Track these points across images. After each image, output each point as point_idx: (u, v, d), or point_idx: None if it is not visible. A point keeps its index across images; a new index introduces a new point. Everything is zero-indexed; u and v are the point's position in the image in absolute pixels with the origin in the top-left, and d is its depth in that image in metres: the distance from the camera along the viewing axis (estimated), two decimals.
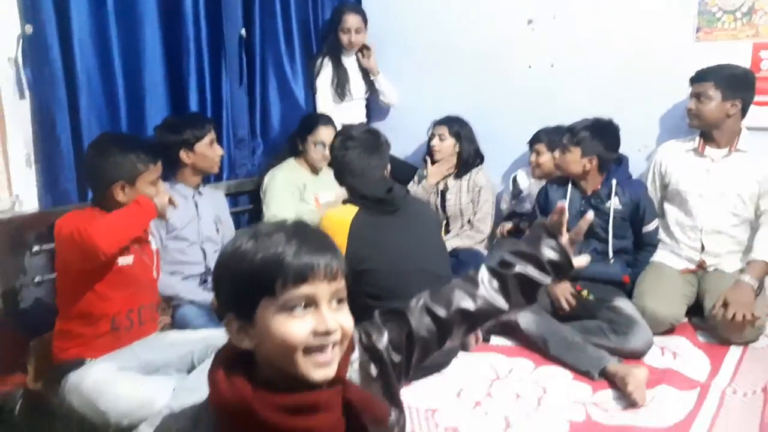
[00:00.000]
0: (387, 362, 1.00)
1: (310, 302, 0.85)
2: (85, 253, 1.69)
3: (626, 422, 1.72)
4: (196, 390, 1.69)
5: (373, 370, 0.99)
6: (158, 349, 1.87)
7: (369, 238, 1.94)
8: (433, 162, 3.08)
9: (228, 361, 0.88)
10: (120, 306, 1.85)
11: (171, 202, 1.96)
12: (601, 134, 2.38)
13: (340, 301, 0.88)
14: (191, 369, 1.83)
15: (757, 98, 2.40)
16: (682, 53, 2.59)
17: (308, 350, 0.84)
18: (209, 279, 2.49)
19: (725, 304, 2.14)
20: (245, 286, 0.86)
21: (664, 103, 2.69)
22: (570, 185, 2.46)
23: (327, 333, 0.84)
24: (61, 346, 1.86)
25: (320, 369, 0.84)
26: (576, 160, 2.38)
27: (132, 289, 1.87)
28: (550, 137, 2.75)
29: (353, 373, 0.95)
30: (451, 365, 2.05)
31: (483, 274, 1.12)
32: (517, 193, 3.01)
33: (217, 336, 1.83)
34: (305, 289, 0.84)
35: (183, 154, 2.36)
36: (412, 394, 1.86)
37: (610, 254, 2.39)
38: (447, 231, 3.06)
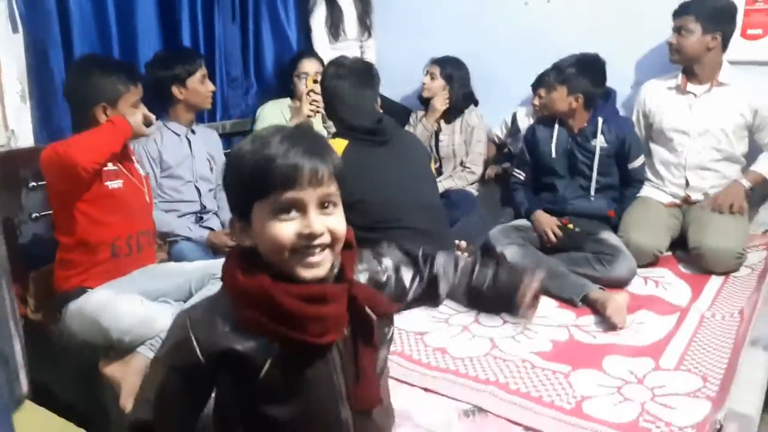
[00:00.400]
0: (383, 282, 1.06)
1: (298, 206, 0.88)
2: (66, 170, 1.70)
3: (606, 342, 1.79)
4: None
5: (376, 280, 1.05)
6: (157, 279, 1.91)
7: (359, 171, 1.93)
8: (424, 100, 3.09)
9: (242, 256, 0.92)
10: (118, 232, 1.87)
11: (146, 119, 1.93)
12: (587, 70, 2.36)
13: (330, 205, 0.91)
14: (188, 298, 1.87)
15: (748, 32, 2.39)
16: None
17: (295, 251, 0.88)
18: (204, 216, 2.54)
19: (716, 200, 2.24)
20: (242, 188, 0.91)
21: (655, 38, 2.66)
22: (557, 124, 2.47)
23: (312, 236, 0.88)
24: (62, 275, 1.89)
25: (308, 269, 0.89)
26: (562, 98, 2.38)
27: (126, 213, 1.90)
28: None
29: (360, 275, 1.01)
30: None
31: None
32: (514, 131, 3.02)
33: (214, 265, 1.92)
34: (291, 194, 0.87)
35: (175, 90, 2.36)
36: (404, 319, 1.92)
37: (592, 192, 2.43)
38: (440, 172, 3.09)
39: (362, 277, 1.02)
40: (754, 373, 1.43)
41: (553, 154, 2.45)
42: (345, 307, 0.93)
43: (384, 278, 1.06)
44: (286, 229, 0.87)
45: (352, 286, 0.94)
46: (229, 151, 2.89)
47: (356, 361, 0.96)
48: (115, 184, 1.86)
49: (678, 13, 2.40)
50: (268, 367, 0.91)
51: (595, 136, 2.40)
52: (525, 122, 2.94)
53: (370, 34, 3.22)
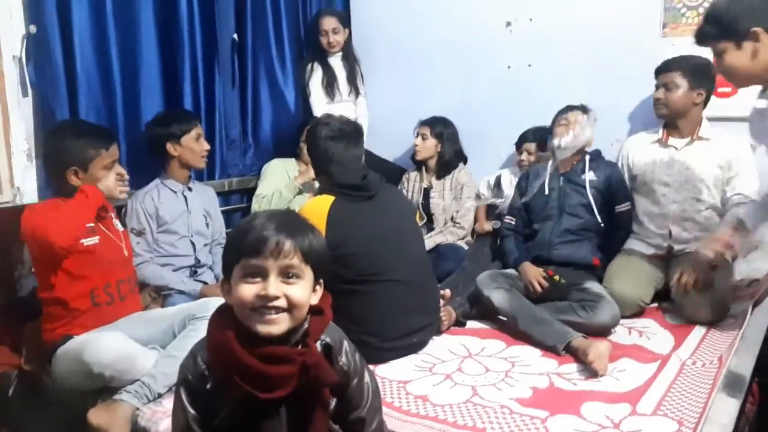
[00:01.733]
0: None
1: (261, 272, 1.05)
2: (44, 248, 1.80)
3: (586, 389, 1.80)
4: (177, 357, 1.82)
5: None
6: (141, 326, 1.96)
7: (347, 224, 1.99)
8: (417, 161, 3.21)
9: (222, 312, 1.10)
10: (95, 282, 1.92)
11: (120, 177, 2.01)
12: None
13: (293, 276, 1.07)
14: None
15: (719, 89, 2.51)
16: (650, 49, 2.71)
17: (254, 309, 1.04)
18: (198, 270, 2.61)
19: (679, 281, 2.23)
20: (227, 255, 1.11)
21: (635, 97, 2.81)
22: (549, 165, 2.61)
23: (267, 298, 1.03)
24: (48, 327, 1.93)
25: (264, 325, 1.04)
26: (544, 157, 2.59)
27: (103, 266, 1.95)
28: (537, 136, 2.88)
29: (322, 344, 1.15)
30: (428, 346, 2.14)
31: None
32: (499, 194, 3.12)
33: (194, 307, 1.97)
34: (256, 261, 1.05)
35: (170, 147, 2.49)
36: (388, 369, 1.96)
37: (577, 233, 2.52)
38: (431, 228, 3.17)
39: (323, 344, 1.14)
40: (723, 417, 1.44)
41: (546, 191, 2.56)
42: (296, 369, 1.05)
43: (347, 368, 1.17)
44: (249, 290, 1.04)
45: (308, 352, 1.07)
46: (226, 208, 3.02)
47: (307, 417, 1.09)
48: (91, 241, 1.93)
49: (663, 70, 2.51)
50: (227, 410, 1.07)
51: (584, 171, 2.55)
52: (508, 183, 3.04)
53: (358, 94, 3.38)
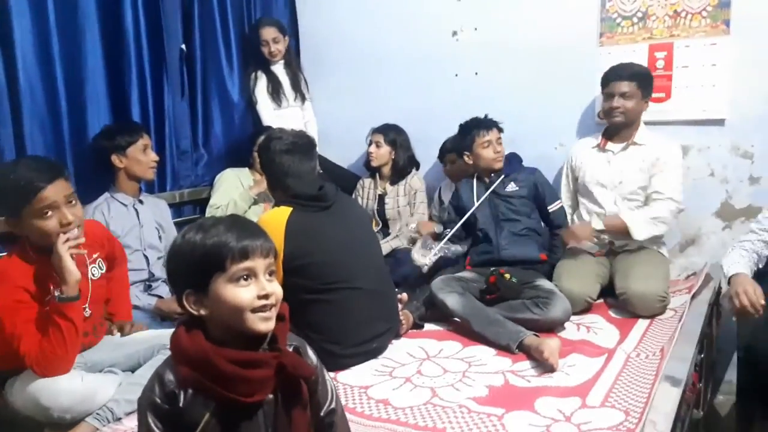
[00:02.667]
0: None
1: (251, 274, 1.09)
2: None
3: (539, 384, 1.88)
4: (143, 385, 1.80)
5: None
6: (105, 351, 1.93)
7: (306, 235, 2.01)
8: (371, 168, 3.26)
9: (186, 325, 1.10)
10: None
11: (62, 219, 1.75)
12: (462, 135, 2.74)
13: (271, 273, 1.13)
14: (137, 367, 1.88)
15: (654, 95, 2.66)
16: (589, 57, 2.84)
17: (254, 310, 1.08)
18: (153, 284, 2.57)
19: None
20: (199, 265, 1.09)
21: (575, 103, 2.93)
22: (475, 180, 2.77)
23: (266, 296, 1.09)
24: (3, 357, 1.80)
25: (264, 322, 1.09)
26: (465, 163, 2.74)
27: None
28: (456, 145, 2.95)
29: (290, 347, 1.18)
30: (387, 350, 2.19)
31: None
32: (441, 205, 3.21)
33: (162, 335, 1.96)
34: (247, 264, 1.09)
35: (115, 159, 2.45)
36: (349, 375, 1.99)
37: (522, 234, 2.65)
38: (387, 233, 3.23)
39: (290, 349, 1.18)
40: (666, 405, 1.54)
41: (476, 203, 2.70)
42: (272, 372, 1.09)
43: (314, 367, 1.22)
44: (246, 293, 1.08)
45: (282, 354, 1.11)
46: (178, 219, 2.98)
47: (288, 417, 1.12)
48: None
49: (617, 78, 2.57)
50: (205, 421, 1.07)
51: (504, 182, 2.69)
52: (448, 193, 3.12)
53: (304, 100, 3.41)
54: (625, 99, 2.58)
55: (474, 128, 2.74)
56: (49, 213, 1.73)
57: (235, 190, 3.01)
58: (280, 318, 1.14)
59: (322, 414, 1.23)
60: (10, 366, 1.79)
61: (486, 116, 2.75)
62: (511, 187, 2.67)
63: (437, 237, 3.01)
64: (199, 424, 1.07)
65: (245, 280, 1.09)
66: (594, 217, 2.68)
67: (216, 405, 1.07)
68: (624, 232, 2.55)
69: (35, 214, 1.72)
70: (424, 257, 2.66)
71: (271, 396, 1.11)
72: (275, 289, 1.11)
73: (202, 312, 1.10)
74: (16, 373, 1.79)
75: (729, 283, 2.16)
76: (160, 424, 1.08)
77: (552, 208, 2.71)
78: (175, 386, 1.08)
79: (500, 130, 2.72)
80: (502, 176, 2.71)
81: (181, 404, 1.07)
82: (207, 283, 1.08)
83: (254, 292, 1.08)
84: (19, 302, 1.72)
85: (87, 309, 1.89)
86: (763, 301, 2.02)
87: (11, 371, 1.81)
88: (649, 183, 2.59)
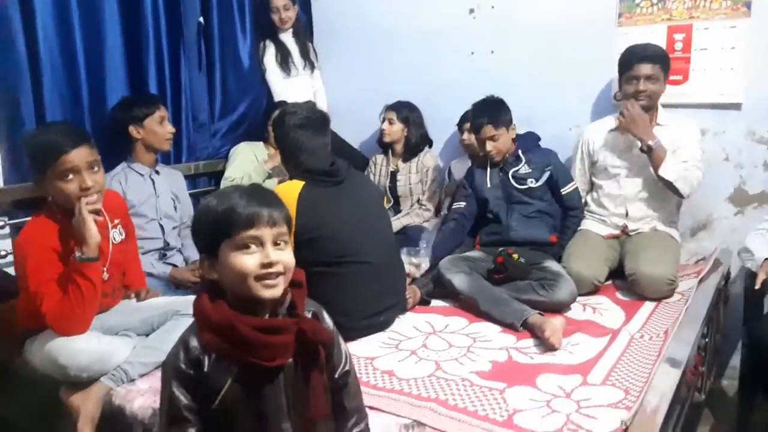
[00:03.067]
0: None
1: (257, 242, 1.11)
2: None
3: (542, 362, 1.91)
4: (157, 349, 1.88)
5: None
6: (120, 314, 1.99)
7: (317, 208, 2.04)
8: (383, 144, 3.28)
9: (209, 293, 1.13)
10: None
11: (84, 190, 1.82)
12: (503, 105, 2.67)
13: (282, 243, 1.14)
14: (150, 332, 1.94)
15: (672, 77, 2.64)
16: (607, 38, 2.82)
17: (258, 278, 1.10)
18: (168, 253, 2.63)
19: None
20: (210, 231, 1.14)
21: (591, 84, 2.91)
22: (489, 162, 2.72)
23: (270, 265, 1.10)
24: (25, 315, 1.91)
25: (268, 290, 1.11)
26: (504, 137, 2.65)
27: None
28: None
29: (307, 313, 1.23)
30: (394, 324, 2.23)
31: None
32: (453, 183, 3.21)
33: (175, 302, 2.02)
34: (252, 232, 1.11)
35: (132, 130, 2.50)
36: (356, 346, 2.03)
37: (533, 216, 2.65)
38: (398, 210, 3.26)
39: (308, 315, 1.22)
40: (665, 384, 1.57)
41: (488, 184, 2.68)
42: (293, 337, 1.13)
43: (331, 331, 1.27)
44: (250, 260, 1.10)
45: (301, 320, 1.15)
46: (194, 191, 3.03)
47: (306, 380, 1.16)
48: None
49: (644, 60, 2.51)
50: (228, 386, 1.11)
51: (518, 163, 2.65)
52: (459, 171, 3.13)
53: (313, 68, 3.42)
54: (650, 82, 2.53)
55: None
56: (71, 176, 1.81)
57: (250, 164, 3.05)
58: (297, 285, 1.18)
59: (336, 376, 1.27)
60: (31, 325, 1.87)
61: (489, 98, 2.70)
62: (525, 169, 2.65)
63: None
64: (222, 389, 1.11)
65: (251, 247, 1.10)
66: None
67: (238, 370, 1.11)
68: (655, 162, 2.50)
69: (58, 176, 1.80)
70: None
71: (291, 360, 1.15)
72: (282, 257, 1.12)
73: (214, 276, 1.13)
74: (36, 332, 1.86)
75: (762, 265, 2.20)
76: (184, 390, 1.12)
77: (566, 190, 2.69)
78: (199, 352, 1.11)
79: (495, 127, 2.62)
80: (516, 158, 2.68)
81: (205, 369, 1.11)
82: (217, 249, 1.12)
83: (258, 259, 1.10)
84: (45, 261, 1.79)
85: (106, 272, 1.95)
86: None
87: (31, 330, 1.88)
88: (672, 156, 2.55)
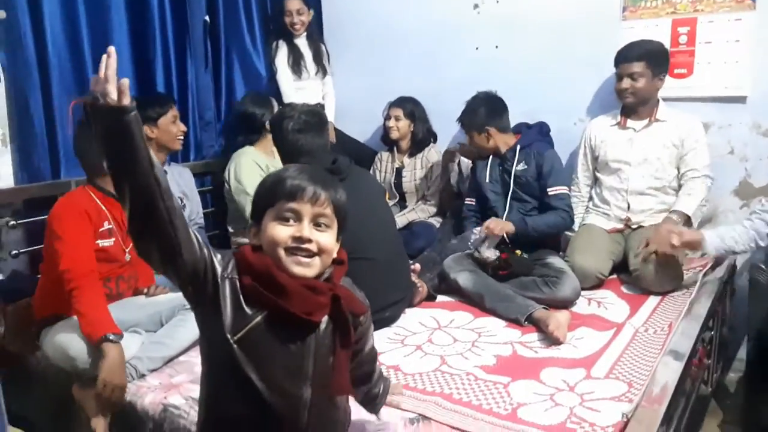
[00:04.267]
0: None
1: (296, 216, 1.10)
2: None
3: (546, 356, 1.93)
4: (165, 344, 1.90)
5: None
6: (129, 310, 2.02)
7: None
8: (389, 142, 3.29)
9: (253, 247, 1.13)
10: (99, 273, 1.95)
11: None
12: (480, 107, 2.65)
13: (322, 224, 1.12)
14: (158, 329, 1.99)
15: (675, 71, 2.63)
16: (611, 31, 2.81)
17: (288, 250, 1.09)
18: None
19: (647, 245, 2.37)
20: (260, 200, 1.15)
21: (596, 78, 2.90)
22: (491, 155, 2.71)
23: (302, 240, 1.09)
24: (41, 303, 1.99)
25: (298, 266, 1.09)
26: (480, 139, 2.67)
27: (109, 265, 2.03)
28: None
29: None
30: (400, 319, 2.25)
31: None
32: (460, 176, 3.23)
33: (182, 297, 2.02)
34: (292, 205, 1.10)
35: (147, 129, 2.52)
36: None
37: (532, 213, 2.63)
38: (404, 206, 3.27)
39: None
40: (667, 376, 1.58)
41: (487, 179, 2.68)
42: (328, 300, 1.12)
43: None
44: (283, 231, 1.10)
45: (336, 287, 1.14)
46: (201, 189, 3.05)
47: (333, 353, 1.15)
48: (106, 243, 2.00)
49: (626, 59, 2.56)
50: (256, 321, 1.08)
51: (515, 160, 2.63)
52: (467, 163, 3.14)
53: (324, 73, 3.42)
54: (633, 80, 2.56)
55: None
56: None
57: (258, 177, 3.01)
58: (338, 262, 1.17)
59: (366, 350, 1.30)
60: (48, 313, 1.94)
61: (477, 96, 2.70)
62: (522, 166, 2.62)
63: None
64: (250, 323, 1.08)
65: (289, 220, 1.10)
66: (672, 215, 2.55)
67: (269, 313, 1.08)
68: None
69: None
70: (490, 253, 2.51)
71: (323, 328, 1.12)
72: (318, 237, 1.10)
73: (256, 242, 1.13)
74: (51, 322, 1.93)
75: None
76: (230, 290, 1.09)
77: (552, 191, 2.56)
78: (237, 279, 1.09)
79: (466, 131, 2.69)
80: (513, 154, 2.64)
81: (240, 299, 1.09)
82: (262, 217, 1.13)
83: (291, 232, 1.09)
84: (82, 233, 1.89)
85: (128, 254, 2.06)
86: None
87: (47, 320, 1.94)
88: (681, 162, 2.58)
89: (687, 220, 2.52)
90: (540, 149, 2.63)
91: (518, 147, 2.64)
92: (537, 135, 2.71)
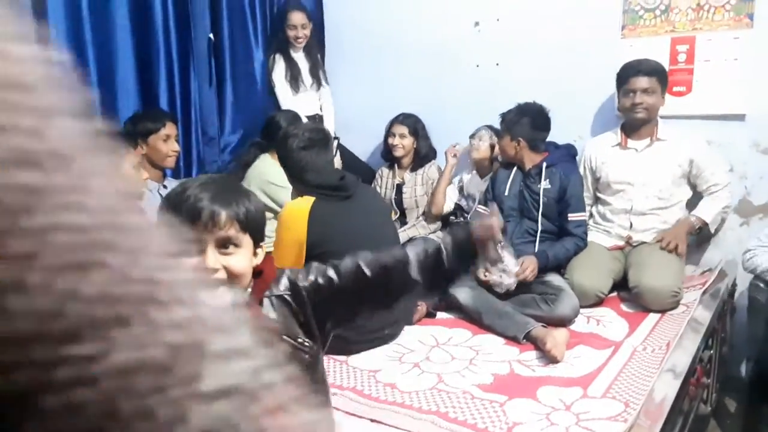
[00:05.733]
0: (305, 300, 1.15)
1: (198, 245, 1.00)
2: None
3: (543, 374, 1.93)
4: None
5: (293, 303, 1.14)
6: None
7: (327, 223, 2.06)
8: (390, 158, 3.30)
9: None
10: None
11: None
12: (526, 116, 2.63)
13: (230, 245, 1.03)
14: None
15: (674, 89, 2.65)
16: (611, 49, 2.83)
17: None
18: None
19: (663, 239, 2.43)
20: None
21: (596, 95, 2.93)
22: (515, 167, 2.70)
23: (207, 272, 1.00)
24: None
25: None
26: (508, 144, 2.65)
27: None
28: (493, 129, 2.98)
29: (272, 299, 1.12)
30: (399, 337, 2.25)
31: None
32: (460, 193, 3.22)
33: None
34: (191, 234, 0.99)
35: (138, 145, 2.56)
36: (359, 358, 2.06)
37: (537, 238, 2.61)
38: (404, 222, 3.28)
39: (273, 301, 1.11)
40: (663, 394, 1.58)
41: (506, 192, 2.67)
42: None
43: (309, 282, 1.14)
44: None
45: (252, 310, 1.05)
46: None
47: None
48: None
49: (639, 74, 2.54)
50: None
51: (541, 177, 2.61)
52: (467, 180, 3.14)
53: (320, 86, 3.46)
54: (647, 95, 2.55)
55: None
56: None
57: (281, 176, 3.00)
58: (257, 274, 1.10)
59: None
60: None
61: (519, 106, 2.69)
62: (545, 185, 2.59)
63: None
64: None
65: (194, 249, 0.99)
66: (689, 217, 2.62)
67: None
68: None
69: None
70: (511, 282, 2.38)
71: None
72: (229, 263, 1.02)
73: None
74: None
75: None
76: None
77: (573, 216, 2.57)
78: None
79: (512, 138, 2.65)
80: (538, 172, 2.63)
81: None
82: None
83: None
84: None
85: None
86: None
87: None
88: (698, 180, 2.60)
89: (704, 225, 2.56)
90: (567, 171, 2.61)
91: (544, 165, 2.62)
92: (565, 156, 2.70)
